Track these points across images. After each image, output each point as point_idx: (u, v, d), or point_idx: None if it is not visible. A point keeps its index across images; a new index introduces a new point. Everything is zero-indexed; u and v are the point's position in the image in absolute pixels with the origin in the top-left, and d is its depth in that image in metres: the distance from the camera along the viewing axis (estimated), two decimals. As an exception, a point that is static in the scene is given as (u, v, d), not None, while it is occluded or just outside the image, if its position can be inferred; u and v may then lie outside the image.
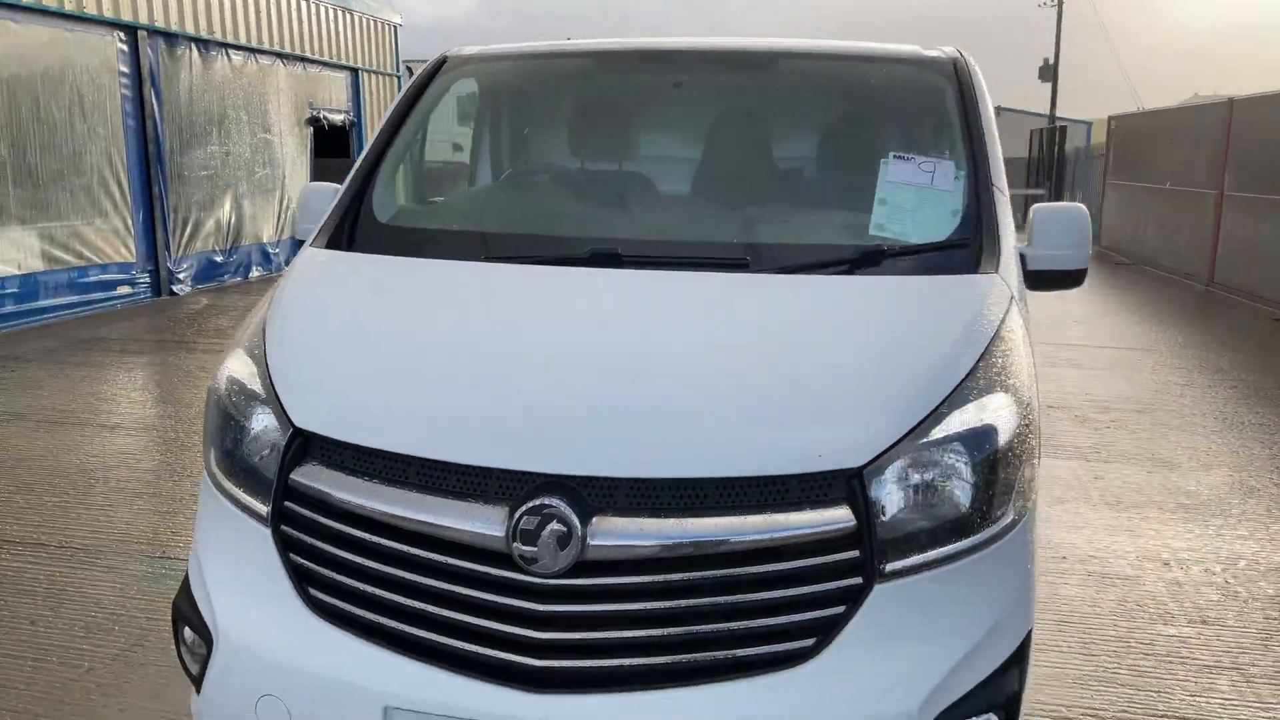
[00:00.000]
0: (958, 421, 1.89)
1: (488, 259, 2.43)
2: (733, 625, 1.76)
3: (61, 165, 9.49)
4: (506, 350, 2.07)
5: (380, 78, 15.79)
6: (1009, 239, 2.49)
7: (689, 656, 1.76)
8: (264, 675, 1.90)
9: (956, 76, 2.96)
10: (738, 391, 1.91)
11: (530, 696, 1.76)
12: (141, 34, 10.43)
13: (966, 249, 2.41)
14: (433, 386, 1.98)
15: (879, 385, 1.93)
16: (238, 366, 2.15)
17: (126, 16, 10.16)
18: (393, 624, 1.85)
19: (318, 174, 13.81)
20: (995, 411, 1.93)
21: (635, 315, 2.17)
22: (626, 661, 1.77)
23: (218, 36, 11.68)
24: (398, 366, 2.05)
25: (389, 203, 2.89)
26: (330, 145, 14.74)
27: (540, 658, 1.77)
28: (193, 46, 11.32)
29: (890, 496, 1.80)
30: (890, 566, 1.79)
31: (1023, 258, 2.67)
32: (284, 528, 1.95)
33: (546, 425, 1.85)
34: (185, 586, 2.13)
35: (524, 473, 1.79)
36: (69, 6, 9.38)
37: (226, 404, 2.10)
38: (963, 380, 1.95)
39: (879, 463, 1.80)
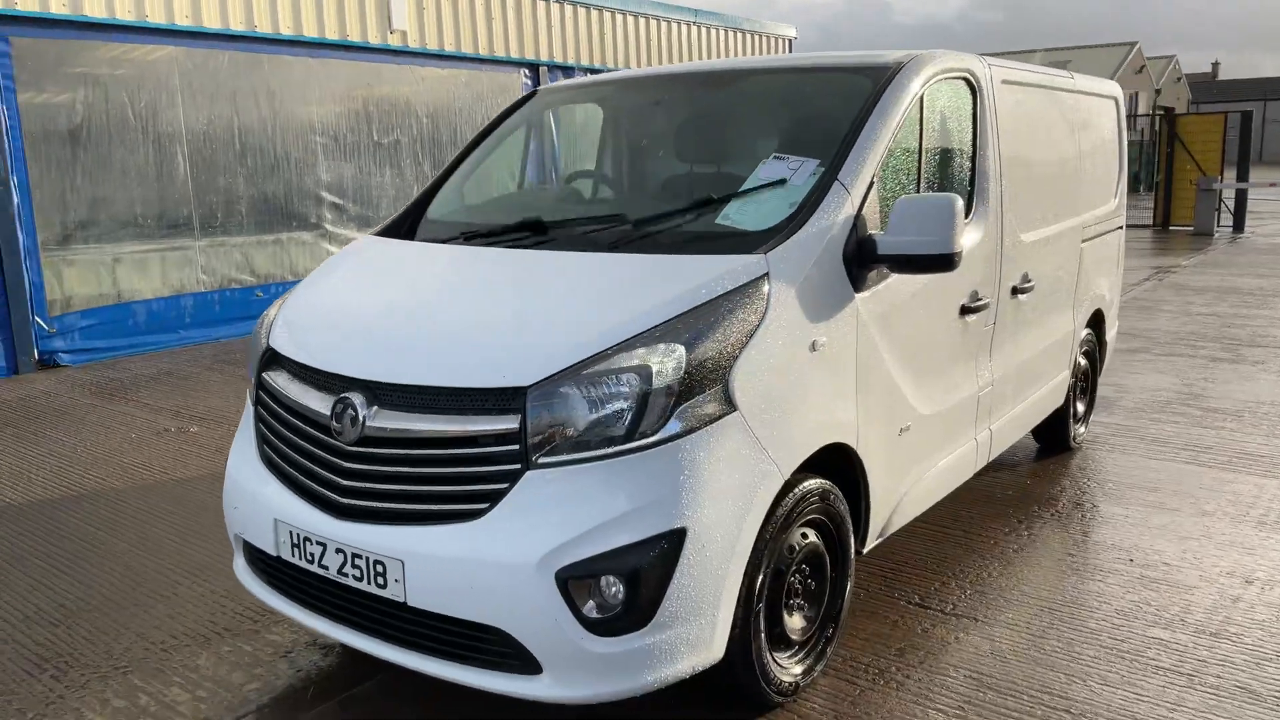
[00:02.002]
0: (623, 360, 2.48)
1: (429, 241, 3.40)
2: (440, 488, 2.55)
3: (471, 179, 11.93)
4: (374, 299, 3.02)
5: (769, 89, 16.94)
6: (816, 227, 2.87)
7: (413, 506, 2.58)
8: (236, 495, 3.05)
9: (884, 80, 3.29)
10: (476, 332, 2.68)
11: (337, 522, 2.70)
12: (542, 69, 12.63)
13: (758, 235, 2.86)
14: (324, 321, 3.01)
15: (568, 329, 2.58)
16: (271, 308, 3.35)
17: (530, 55, 12.41)
18: (284, 466, 2.90)
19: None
20: (658, 357, 2.48)
21: (463, 279, 3.01)
22: (385, 505, 2.63)
23: (609, 65, 13.64)
24: (319, 309, 3.10)
25: (450, 201, 3.94)
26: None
27: (344, 496, 2.70)
28: (586, 76, 13.36)
29: (546, 408, 2.46)
30: (541, 460, 2.46)
31: (874, 243, 2.99)
32: (258, 407, 3.09)
33: (361, 347, 2.78)
34: (237, 446, 3.38)
35: (345, 376, 2.74)
36: (483, 52, 11.76)
37: (258, 330, 3.30)
38: (644, 331, 2.52)
39: (543, 384, 2.47)
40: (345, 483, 2.70)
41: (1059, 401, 5.07)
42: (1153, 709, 2.94)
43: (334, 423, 2.71)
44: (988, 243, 3.81)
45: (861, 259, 3.00)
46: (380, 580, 2.60)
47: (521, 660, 2.49)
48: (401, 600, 2.57)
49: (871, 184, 3.06)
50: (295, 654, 3.35)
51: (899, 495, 3.41)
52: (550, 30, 12.65)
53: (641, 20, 14.08)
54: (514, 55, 12.20)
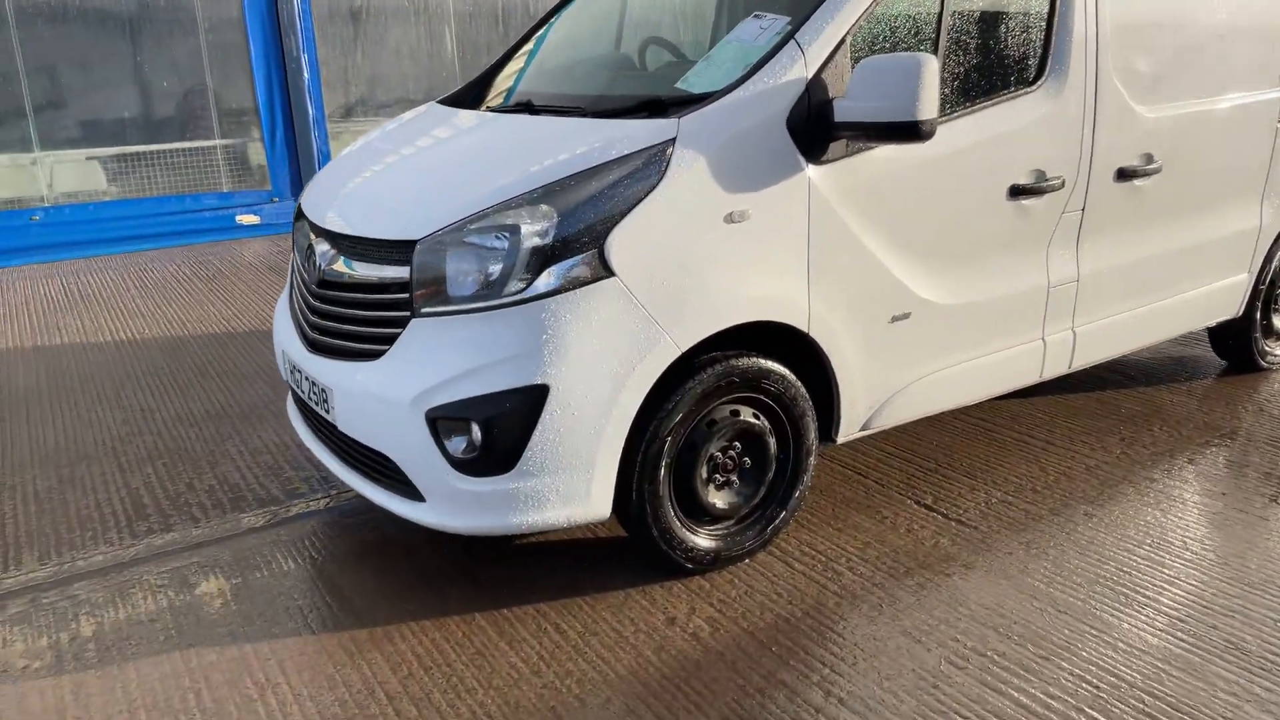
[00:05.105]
0: (498, 219, 2.58)
1: (465, 108, 3.58)
2: (360, 329, 2.83)
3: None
4: (374, 161, 3.28)
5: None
6: (751, 91, 2.71)
7: (345, 344, 2.89)
8: (275, 335, 3.53)
9: None
10: (413, 190, 2.91)
11: (308, 354, 3.08)
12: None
13: (696, 99, 2.75)
14: (330, 179, 3.33)
15: (467, 188, 2.70)
16: (328, 168, 3.76)
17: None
18: (293, 307, 3.31)
19: None
20: (531, 217, 2.55)
21: (444, 142, 3.18)
22: (331, 340, 2.96)
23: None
24: (335, 169, 3.43)
25: (515, 66, 4.09)
26: None
27: (312, 331, 3.07)
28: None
29: (429, 261, 2.63)
30: (424, 309, 2.65)
31: (830, 108, 2.76)
32: (292, 256, 3.54)
33: (337, 201, 3.09)
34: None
35: (320, 227, 3.07)
36: None
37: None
38: (527, 191, 2.59)
39: (428, 239, 2.64)
40: (313, 319, 3.06)
41: (1231, 311, 4.32)
42: (1088, 647, 2.63)
43: (307, 263, 3.08)
44: (1064, 115, 3.33)
45: (818, 127, 2.79)
46: (325, 406, 2.96)
47: (409, 487, 2.76)
48: (334, 424, 2.93)
49: (840, 45, 2.81)
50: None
51: (891, 388, 3.19)
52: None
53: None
54: None
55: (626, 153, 2.62)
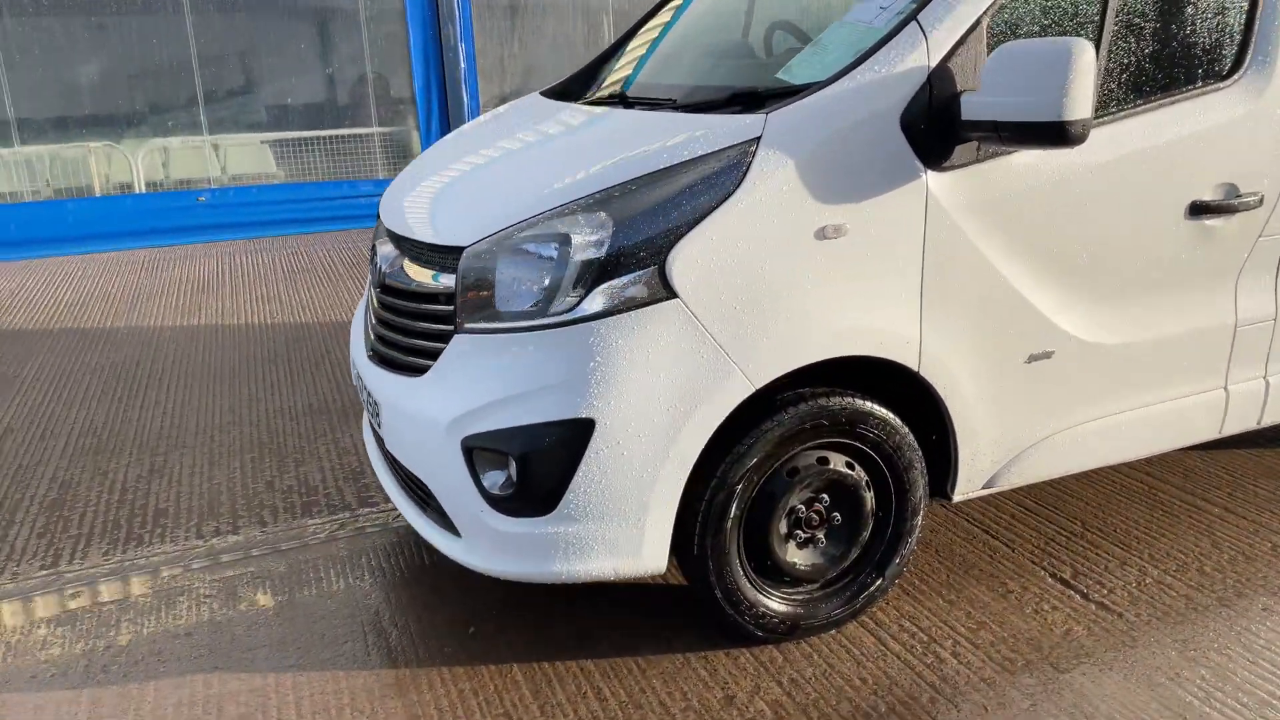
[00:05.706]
0: (549, 227, 2.26)
1: (565, 100, 3.27)
2: (410, 341, 2.58)
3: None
4: (451, 159, 3.01)
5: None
6: (858, 81, 2.27)
7: (397, 355, 2.64)
8: (353, 333, 3.36)
9: None
10: (477, 190, 2.63)
11: (369, 364, 2.85)
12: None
13: (787, 93, 2.34)
14: (407, 178, 3.09)
15: (520, 193, 2.38)
16: (420, 161, 3.54)
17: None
18: (366, 309, 3.11)
19: None
20: (583, 226, 2.21)
21: (525, 139, 2.86)
22: (386, 350, 2.72)
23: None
24: (414, 168, 3.19)
25: (616, 67, 3.75)
26: None
27: (375, 339, 2.85)
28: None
29: (474, 270, 2.34)
30: (468, 324, 2.36)
31: (957, 103, 2.29)
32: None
33: (404, 201, 2.85)
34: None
35: (387, 228, 2.84)
36: None
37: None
38: (583, 196, 2.25)
39: (474, 246, 2.35)
40: (376, 326, 2.84)
41: None
42: None
43: (373, 269, 2.86)
44: (1269, 118, 2.70)
45: (942, 126, 2.32)
46: (378, 421, 2.73)
47: (445, 520, 2.49)
48: (383, 440, 2.69)
49: (974, 27, 2.32)
50: (418, 480, 3.67)
51: (1025, 441, 2.68)
52: None
53: None
54: None
55: (700, 154, 2.24)
